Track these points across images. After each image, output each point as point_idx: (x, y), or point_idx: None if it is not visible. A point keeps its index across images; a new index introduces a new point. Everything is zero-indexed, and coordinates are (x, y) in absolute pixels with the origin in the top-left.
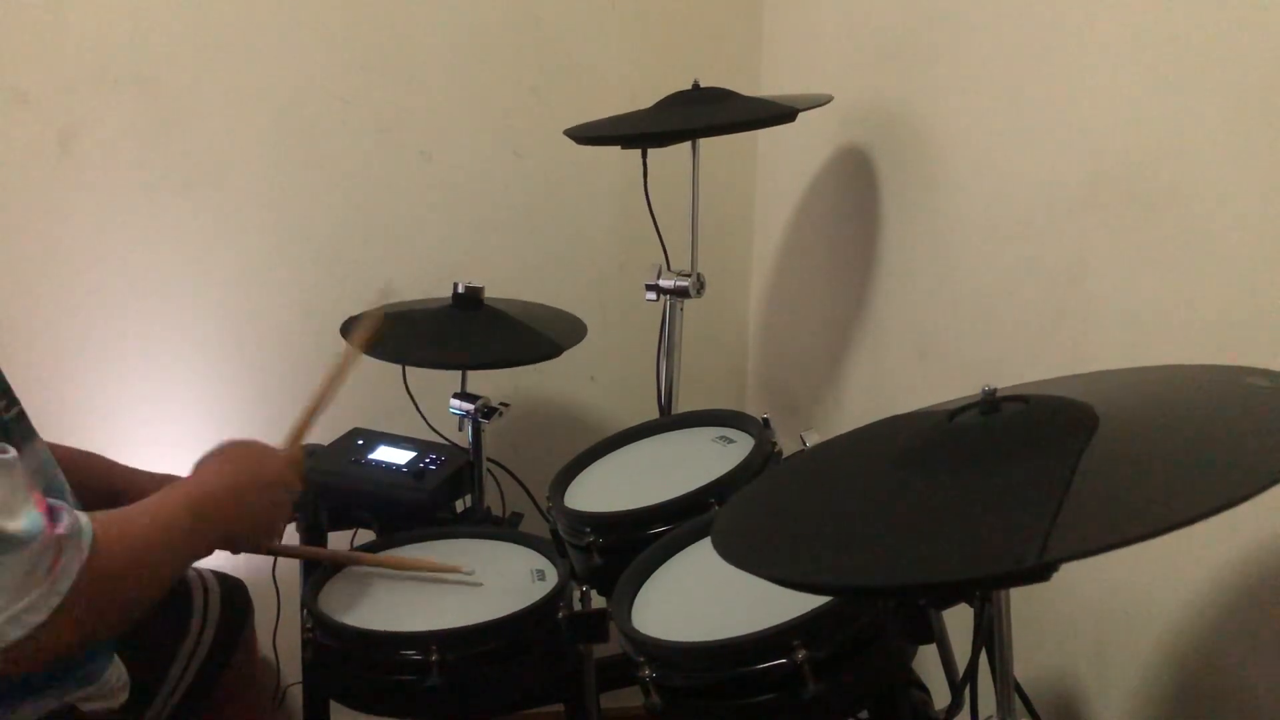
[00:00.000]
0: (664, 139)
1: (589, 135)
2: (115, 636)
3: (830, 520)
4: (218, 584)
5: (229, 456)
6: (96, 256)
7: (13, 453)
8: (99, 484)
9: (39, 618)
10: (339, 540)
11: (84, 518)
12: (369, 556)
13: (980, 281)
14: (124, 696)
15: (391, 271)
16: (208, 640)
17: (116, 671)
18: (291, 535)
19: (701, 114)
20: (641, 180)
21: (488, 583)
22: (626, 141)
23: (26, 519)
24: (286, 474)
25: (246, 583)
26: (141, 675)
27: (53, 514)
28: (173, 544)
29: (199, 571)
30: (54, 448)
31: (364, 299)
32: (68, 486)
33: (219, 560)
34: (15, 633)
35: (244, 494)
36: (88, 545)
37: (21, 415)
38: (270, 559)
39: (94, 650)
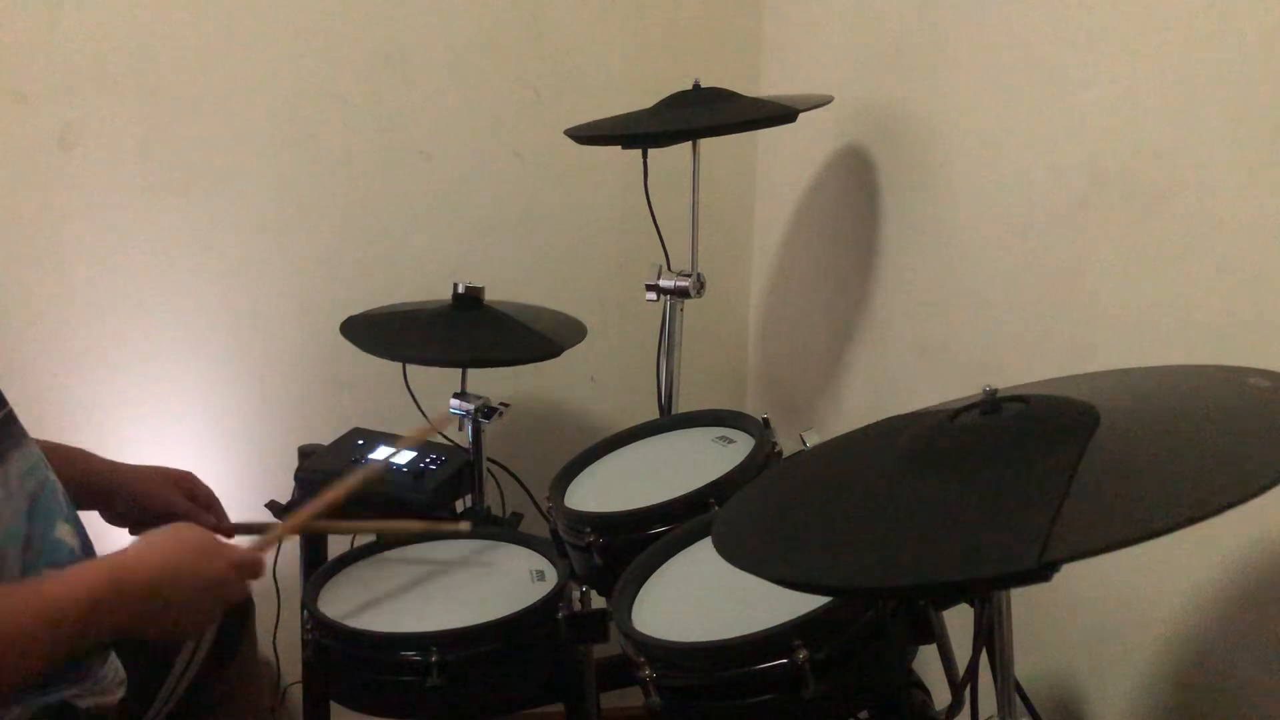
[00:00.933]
0: (664, 139)
1: (589, 135)
2: None
3: (830, 520)
4: None
5: (168, 546)
6: (96, 256)
7: None
8: (80, 482)
9: None
10: (339, 540)
11: None
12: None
13: (980, 281)
14: (120, 693)
15: (391, 271)
16: (208, 640)
17: (113, 667)
18: (290, 539)
19: (701, 114)
20: (641, 180)
21: (487, 583)
22: (626, 141)
23: None
24: (229, 577)
25: None
26: (142, 674)
27: None
28: (55, 634)
29: None
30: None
31: (364, 300)
32: (60, 486)
33: None
34: None
35: (166, 589)
36: None
37: (10, 418)
38: (271, 559)
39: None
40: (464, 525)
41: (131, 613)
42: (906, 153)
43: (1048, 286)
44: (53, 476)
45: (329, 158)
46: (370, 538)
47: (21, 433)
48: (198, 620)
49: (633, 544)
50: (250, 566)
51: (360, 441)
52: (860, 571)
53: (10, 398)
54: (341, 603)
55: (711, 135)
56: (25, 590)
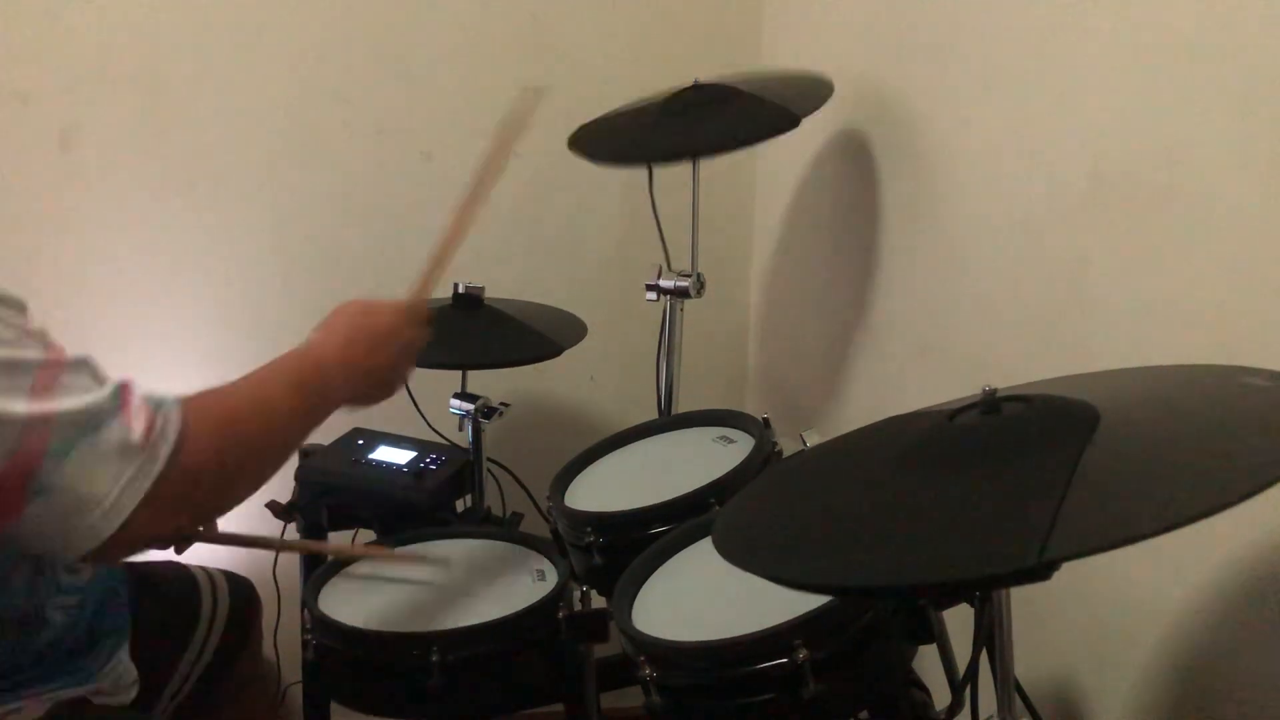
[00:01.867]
0: (666, 158)
1: (591, 153)
2: (223, 513)
3: (830, 520)
4: (226, 582)
5: (334, 323)
6: (96, 256)
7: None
8: None
9: (146, 484)
10: (339, 540)
11: (164, 393)
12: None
13: (981, 281)
14: (134, 693)
15: (391, 271)
16: (215, 638)
17: (127, 668)
18: (292, 535)
19: (702, 127)
20: (643, 180)
21: (488, 583)
22: (628, 161)
23: (112, 388)
24: (400, 326)
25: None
26: (148, 671)
27: (130, 392)
28: (272, 421)
29: (207, 570)
30: None
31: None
32: None
33: (227, 558)
34: (128, 502)
35: (352, 359)
36: (177, 417)
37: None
38: (271, 559)
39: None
40: (441, 561)
41: (334, 396)
42: (907, 152)
43: (1048, 286)
44: None
45: (329, 158)
46: (370, 537)
47: None
48: (394, 375)
49: (633, 544)
50: (413, 310)
51: (360, 441)
52: (860, 571)
53: None
54: (341, 603)
55: (711, 155)
56: (234, 386)
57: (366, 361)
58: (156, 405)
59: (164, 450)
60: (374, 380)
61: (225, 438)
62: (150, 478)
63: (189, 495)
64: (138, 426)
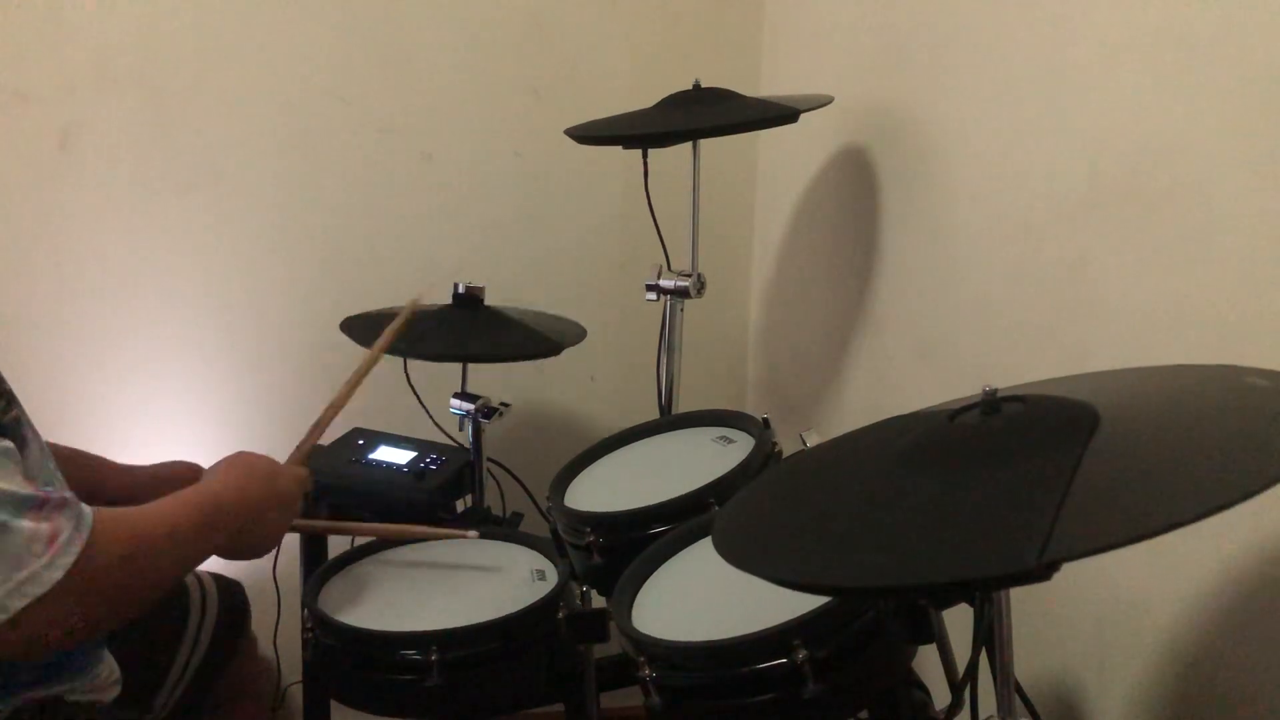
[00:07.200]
0: (665, 139)
1: (589, 135)
2: (109, 630)
3: (831, 520)
4: (215, 586)
5: (244, 467)
6: (96, 256)
7: (9, 443)
8: (89, 480)
9: (38, 590)
10: (338, 540)
11: (85, 507)
12: (373, 527)
13: (981, 281)
14: (115, 691)
15: (391, 271)
16: (205, 641)
17: (107, 666)
18: (291, 537)
19: (702, 114)
20: (642, 180)
21: (487, 583)
22: (627, 141)
23: (25, 494)
24: (295, 492)
25: (247, 582)
26: (141, 676)
27: (50, 498)
28: (175, 545)
29: (197, 573)
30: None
31: (364, 301)
32: (68, 487)
33: (216, 561)
34: (16, 603)
35: (254, 505)
36: (87, 530)
37: (20, 419)
38: (270, 558)
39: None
40: (471, 533)
41: (228, 531)
42: (906, 153)
43: (1048, 286)
44: (60, 477)
45: (329, 158)
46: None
47: (27, 435)
48: (277, 533)
49: (633, 544)
50: (304, 478)
51: (360, 441)
52: (860, 571)
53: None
54: (342, 602)
55: (712, 136)
56: (145, 509)
57: (262, 516)
58: (75, 517)
59: (65, 560)
60: (255, 533)
61: (135, 550)
62: (45, 585)
63: (95, 595)
64: (44, 529)
